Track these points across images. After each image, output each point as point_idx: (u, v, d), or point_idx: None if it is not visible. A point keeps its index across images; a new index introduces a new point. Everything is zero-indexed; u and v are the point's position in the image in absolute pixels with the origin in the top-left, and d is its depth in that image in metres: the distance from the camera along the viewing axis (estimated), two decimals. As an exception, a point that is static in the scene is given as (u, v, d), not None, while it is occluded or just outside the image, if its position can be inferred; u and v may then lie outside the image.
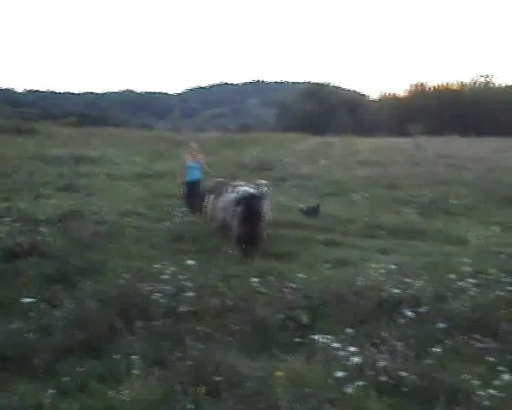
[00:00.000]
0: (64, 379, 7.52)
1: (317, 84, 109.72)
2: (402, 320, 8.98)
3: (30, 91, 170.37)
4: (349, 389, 6.79)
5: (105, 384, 7.38)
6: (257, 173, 30.46)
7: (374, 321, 9.07)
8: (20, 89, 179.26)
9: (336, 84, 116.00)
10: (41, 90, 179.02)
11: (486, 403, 6.63)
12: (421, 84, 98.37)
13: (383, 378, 7.14)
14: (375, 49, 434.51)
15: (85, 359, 8.14)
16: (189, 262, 11.75)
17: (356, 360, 7.40)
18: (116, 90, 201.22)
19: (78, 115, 75.66)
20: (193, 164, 20.57)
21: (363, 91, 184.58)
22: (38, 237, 13.74)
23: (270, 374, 7.06)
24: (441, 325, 8.69)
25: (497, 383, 7.01)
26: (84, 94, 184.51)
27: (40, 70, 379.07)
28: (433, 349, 7.89)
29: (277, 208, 21.01)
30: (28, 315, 9.44)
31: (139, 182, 27.36)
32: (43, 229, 14.82)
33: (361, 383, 6.93)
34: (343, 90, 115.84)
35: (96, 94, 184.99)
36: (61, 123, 61.59)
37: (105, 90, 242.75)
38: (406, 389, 7.03)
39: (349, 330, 8.49)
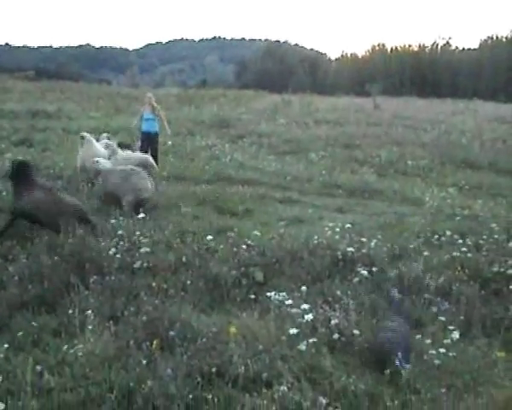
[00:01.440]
0: (18, 334, 7.50)
1: (276, 41, 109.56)
2: (356, 279, 9.07)
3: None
4: (302, 347, 6.85)
5: (59, 339, 7.38)
6: (215, 130, 30.44)
7: (328, 279, 9.15)
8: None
9: (295, 43, 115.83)
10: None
11: (437, 362, 6.74)
12: (382, 44, 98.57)
13: (336, 336, 7.20)
14: (335, 7, 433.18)
15: (40, 314, 8.12)
16: (142, 216, 11.75)
17: (309, 317, 7.44)
18: (74, 45, 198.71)
19: (35, 69, 74.39)
20: (150, 115, 20.35)
21: (322, 50, 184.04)
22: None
23: (223, 330, 7.11)
24: (394, 287, 8.78)
25: (448, 342, 7.12)
26: (41, 48, 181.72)
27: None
28: (385, 310, 7.99)
29: (235, 166, 21.07)
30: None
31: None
32: (-4, 183, 14.65)
33: (314, 340, 6.98)
34: (302, 48, 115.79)
35: (54, 48, 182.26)
36: (17, 77, 60.59)
37: (62, 45, 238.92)
38: (358, 348, 7.11)
39: (303, 288, 8.54)
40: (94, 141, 17.46)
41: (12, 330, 7.70)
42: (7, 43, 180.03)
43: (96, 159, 15.35)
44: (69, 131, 28.27)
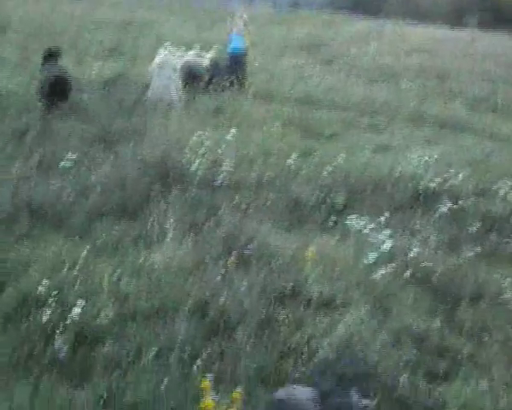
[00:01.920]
0: (99, 239, 7.65)
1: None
2: (438, 214, 8.90)
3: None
4: (377, 275, 6.80)
5: (138, 247, 7.51)
6: (306, 52, 30.02)
7: (409, 210, 9.02)
8: None
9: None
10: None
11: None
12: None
13: (412, 268, 7.13)
14: None
15: (120, 222, 8.25)
16: (230, 134, 11.71)
17: (387, 246, 7.37)
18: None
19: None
20: (238, 35, 20.11)
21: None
22: (81, 98, 13.75)
23: (300, 252, 7.10)
24: (477, 224, 8.58)
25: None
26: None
27: None
28: (466, 246, 7.82)
29: (323, 89, 20.75)
30: (68, 175, 9.55)
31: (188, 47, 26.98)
32: (86, 91, 14.80)
33: (390, 269, 6.93)
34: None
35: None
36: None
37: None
38: (434, 281, 7.01)
39: (383, 217, 8.41)
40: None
41: (94, 235, 7.85)
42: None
43: None
44: (160, 42, 28.25)
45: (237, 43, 19.86)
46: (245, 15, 20.74)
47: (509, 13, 75.12)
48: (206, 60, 18.04)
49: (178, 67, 16.60)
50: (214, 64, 18.70)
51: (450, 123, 17.75)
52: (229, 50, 19.93)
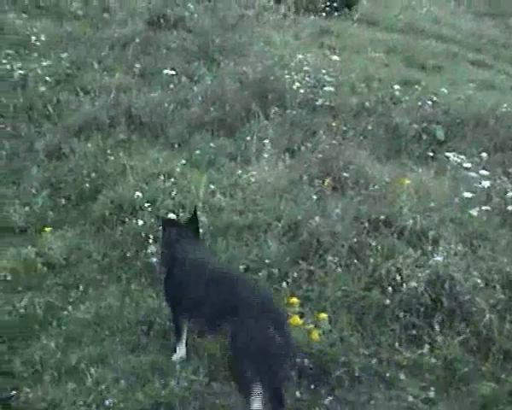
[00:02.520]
0: (196, 152, 7.73)
1: None
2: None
3: None
4: (474, 212, 6.68)
5: (234, 163, 7.57)
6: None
7: (511, 151, 8.78)
8: None
9: None
10: None
11: None
12: None
13: (510, 208, 6.97)
14: None
15: (218, 136, 8.33)
16: (334, 57, 11.58)
17: (486, 184, 7.20)
18: None
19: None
20: None
21: None
22: (186, 12, 13.76)
23: (397, 181, 7.03)
24: None
25: None
26: None
27: None
28: None
29: (430, 19, 20.21)
30: (168, 87, 9.64)
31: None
32: (190, 4, 14.78)
33: (487, 208, 6.80)
34: None
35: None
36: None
37: None
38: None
39: (484, 155, 8.19)
40: None
41: (191, 147, 7.94)
42: None
43: None
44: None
45: None
46: None
47: None
48: None
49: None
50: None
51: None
52: None
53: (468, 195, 6.93)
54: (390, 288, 5.38)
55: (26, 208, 6.94)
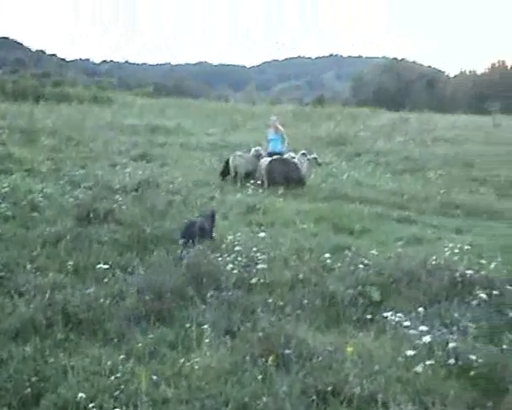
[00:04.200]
0: (136, 345, 7.67)
1: (394, 59, 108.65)
2: (474, 302, 8.81)
3: (106, 62, 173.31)
4: (418, 369, 6.74)
5: (176, 352, 7.52)
6: (332, 148, 30.36)
7: (446, 301, 8.95)
8: (97, 60, 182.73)
9: (413, 60, 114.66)
10: (117, 61, 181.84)
11: None
12: (501, 61, 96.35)
13: (452, 360, 7.04)
14: (453, 25, 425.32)
15: (157, 325, 8.29)
16: (262, 234, 11.83)
17: (426, 339, 7.31)
18: (192, 62, 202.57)
19: (154, 86, 76.16)
20: (273, 136, 21.46)
21: (440, 68, 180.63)
22: (114, 205, 14.00)
23: (339, 349, 7.08)
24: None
25: None
26: (160, 65, 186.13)
27: (117, 42, 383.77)
28: (506, 335, 7.72)
29: (352, 184, 20.93)
30: (102, 281, 9.65)
31: (213, 153, 27.48)
32: (118, 197, 15.09)
33: (430, 363, 6.86)
34: (420, 65, 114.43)
35: (172, 65, 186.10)
36: (136, 93, 62.32)
37: (181, 62, 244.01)
38: (475, 373, 6.91)
39: (420, 309, 8.38)
40: None
41: (130, 340, 7.88)
42: (127, 61, 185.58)
43: None
44: (187, 147, 28.83)
45: (273, 144, 21.40)
46: (274, 118, 22.32)
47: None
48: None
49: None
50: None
51: (478, 210, 17.82)
52: (267, 151, 21.30)
53: (410, 352, 7.01)
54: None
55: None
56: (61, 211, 13.83)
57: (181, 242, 11.02)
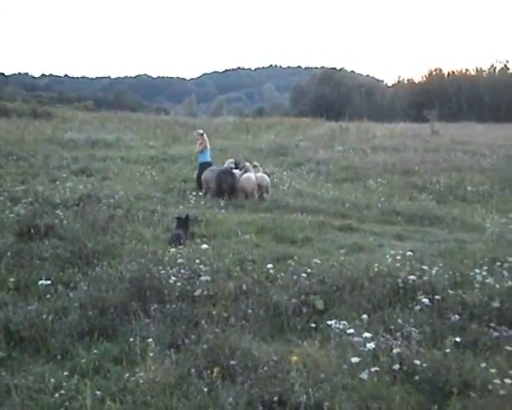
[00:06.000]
0: (80, 361, 7.58)
1: (333, 68, 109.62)
2: (417, 307, 8.91)
3: (46, 76, 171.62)
4: (364, 376, 6.79)
5: (120, 366, 7.46)
6: (273, 158, 30.50)
7: (389, 308, 9.05)
8: (36, 73, 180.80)
9: (351, 70, 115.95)
10: (57, 74, 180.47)
11: (503, 392, 6.57)
12: (439, 69, 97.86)
13: (397, 366, 7.12)
14: (390, 34, 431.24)
15: (101, 341, 8.21)
16: (204, 246, 11.81)
17: (370, 346, 7.38)
18: (131, 75, 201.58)
19: (94, 99, 75.71)
20: (204, 151, 22.75)
21: (378, 77, 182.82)
22: (55, 220, 13.83)
23: (284, 359, 7.09)
24: (457, 314, 8.64)
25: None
26: (100, 78, 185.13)
27: (56, 55, 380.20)
28: (449, 338, 7.81)
29: (293, 194, 21.04)
30: (45, 297, 9.52)
31: (154, 166, 27.38)
32: (59, 212, 14.91)
33: (375, 369, 6.92)
34: (358, 75, 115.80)
35: (111, 78, 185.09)
36: (76, 107, 61.81)
37: (120, 75, 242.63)
38: (420, 378, 6.99)
39: (364, 317, 8.48)
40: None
41: (74, 357, 7.79)
42: (66, 75, 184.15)
43: None
44: (128, 161, 28.66)
45: (202, 156, 22.13)
46: (195, 132, 23.55)
47: (473, 101, 77.14)
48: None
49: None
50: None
51: (418, 217, 18.07)
52: (199, 162, 21.91)
53: (355, 360, 7.06)
54: None
55: None
56: (2, 227, 13.60)
57: None
